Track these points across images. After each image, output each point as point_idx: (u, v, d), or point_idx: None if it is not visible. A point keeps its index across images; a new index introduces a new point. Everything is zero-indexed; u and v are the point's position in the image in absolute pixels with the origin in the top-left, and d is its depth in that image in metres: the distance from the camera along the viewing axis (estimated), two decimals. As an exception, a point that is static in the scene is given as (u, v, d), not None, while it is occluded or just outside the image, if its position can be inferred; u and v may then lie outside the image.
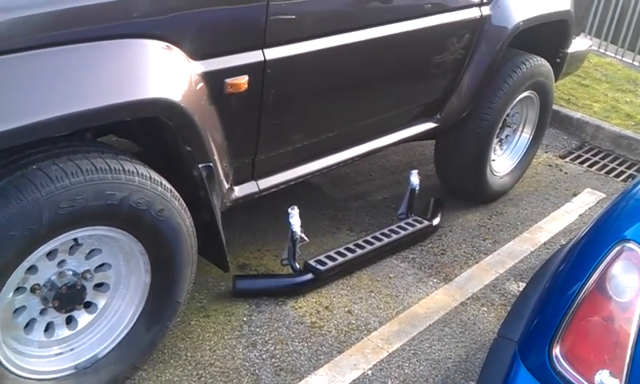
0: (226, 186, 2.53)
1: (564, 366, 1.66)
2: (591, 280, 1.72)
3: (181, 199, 2.24)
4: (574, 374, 1.64)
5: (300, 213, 3.00)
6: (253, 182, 2.70)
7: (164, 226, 2.18)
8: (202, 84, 2.23)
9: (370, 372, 2.68)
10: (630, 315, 1.63)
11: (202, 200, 2.36)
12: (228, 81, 2.31)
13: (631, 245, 1.75)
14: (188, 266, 2.35)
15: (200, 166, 2.29)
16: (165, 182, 2.17)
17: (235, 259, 3.17)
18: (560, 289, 1.83)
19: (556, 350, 1.68)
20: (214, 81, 2.27)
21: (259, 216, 3.48)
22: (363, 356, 2.75)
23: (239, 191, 2.64)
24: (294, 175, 2.87)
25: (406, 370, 2.72)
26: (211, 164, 2.33)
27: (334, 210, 3.74)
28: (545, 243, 3.76)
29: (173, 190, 2.20)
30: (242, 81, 2.35)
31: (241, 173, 2.64)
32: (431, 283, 3.27)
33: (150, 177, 2.10)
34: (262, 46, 2.39)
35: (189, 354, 2.62)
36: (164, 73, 2.08)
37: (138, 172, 2.06)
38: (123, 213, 2.05)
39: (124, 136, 2.69)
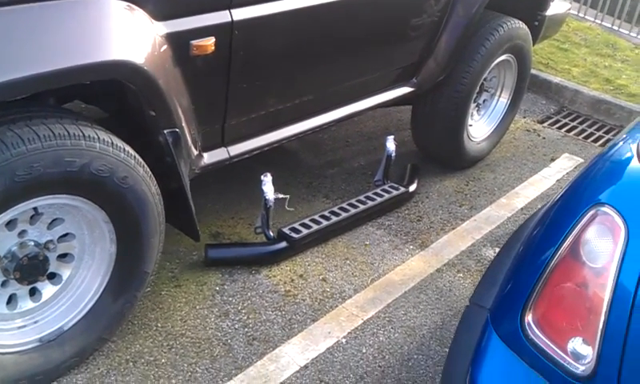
0: (195, 152, 2.45)
1: (536, 334, 1.62)
2: (564, 245, 1.68)
3: (146, 166, 2.16)
4: (547, 341, 1.60)
5: (275, 180, 2.93)
6: (223, 149, 2.63)
7: (128, 194, 2.11)
8: (166, 46, 2.15)
9: (344, 340, 2.65)
10: (604, 281, 1.59)
11: (168, 167, 2.29)
12: (194, 42, 2.23)
13: (605, 209, 1.70)
14: (155, 235, 2.28)
15: (165, 131, 2.22)
16: (128, 148, 2.09)
17: (208, 228, 3.11)
18: (533, 254, 1.79)
19: (528, 317, 1.64)
20: (178, 42, 2.19)
21: (232, 184, 3.41)
22: (337, 324, 2.72)
23: (209, 158, 2.57)
24: (267, 141, 2.80)
25: (381, 338, 2.69)
26: (177, 129, 2.25)
27: (310, 177, 3.68)
28: (522, 209, 3.73)
29: (137, 156, 2.12)
30: (209, 42, 2.27)
31: (210, 139, 2.56)
32: (407, 250, 3.24)
33: (112, 143, 2.02)
34: (229, 5, 2.31)
35: (159, 325, 2.56)
36: (126, 34, 2.00)
37: (99, 138, 1.98)
38: (84, 180, 1.98)
39: (91, 102, 2.60)
